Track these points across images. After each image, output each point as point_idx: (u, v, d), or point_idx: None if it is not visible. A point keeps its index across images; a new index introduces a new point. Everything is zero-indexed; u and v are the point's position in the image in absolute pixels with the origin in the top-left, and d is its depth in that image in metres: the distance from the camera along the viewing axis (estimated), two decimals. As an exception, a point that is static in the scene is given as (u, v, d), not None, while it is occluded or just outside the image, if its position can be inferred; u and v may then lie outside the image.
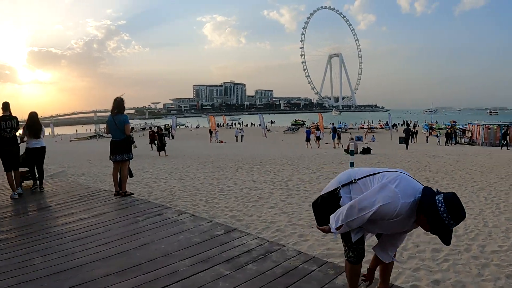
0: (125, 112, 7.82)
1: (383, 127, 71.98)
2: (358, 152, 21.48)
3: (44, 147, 8.79)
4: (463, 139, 40.26)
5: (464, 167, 14.17)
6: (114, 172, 7.73)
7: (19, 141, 8.38)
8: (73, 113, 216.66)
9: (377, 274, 3.45)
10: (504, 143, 29.49)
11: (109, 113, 7.78)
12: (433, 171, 13.02)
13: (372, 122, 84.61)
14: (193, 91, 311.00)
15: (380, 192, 2.68)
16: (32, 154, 8.56)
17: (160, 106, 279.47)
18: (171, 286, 3.51)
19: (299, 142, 39.28)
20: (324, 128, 48.64)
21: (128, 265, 3.97)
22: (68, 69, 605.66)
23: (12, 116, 7.86)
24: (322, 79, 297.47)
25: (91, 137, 60.68)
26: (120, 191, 7.62)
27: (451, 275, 4.34)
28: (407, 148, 27.38)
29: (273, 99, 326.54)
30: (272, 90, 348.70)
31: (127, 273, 3.79)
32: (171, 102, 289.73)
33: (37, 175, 8.75)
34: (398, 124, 72.97)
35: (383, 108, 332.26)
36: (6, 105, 7.82)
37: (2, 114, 7.78)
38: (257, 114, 68.04)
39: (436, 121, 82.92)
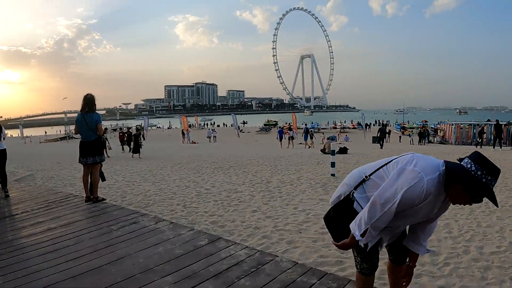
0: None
1: (356, 127, 72.73)
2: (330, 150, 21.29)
3: (5, 149, 8.12)
4: (435, 138, 40.76)
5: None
6: (84, 176, 7.07)
7: None
8: (43, 114, 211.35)
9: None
10: (480, 141, 29.76)
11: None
12: (414, 170, 12.84)
13: (345, 122, 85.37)
14: (165, 92, 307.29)
15: (400, 177, 2.37)
16: None
17: (131, 106, 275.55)
18: (153, 309, 3.05)
19: (272, 142, 39.04)
20: (298, 128, 48.53)
21: (102, 283, 3.46)
22: (38, 69, 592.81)
23: None
24: (294, 79, 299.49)
25: (61, 138, 58.97)
26: (92, 197, 6.98)
27: (455, 280, 4.16)
28: (381, 148, 27.43)
29: (245, 100, 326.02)
30: (244, 91, 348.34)
31: (102, 293, 3.30)
32: (143, 102, 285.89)
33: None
34: (370, 124, 73.76)
35: (354, 108, 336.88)
36: None
37: None
38: (229, 114, 67.67)
39: (408, 121, 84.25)
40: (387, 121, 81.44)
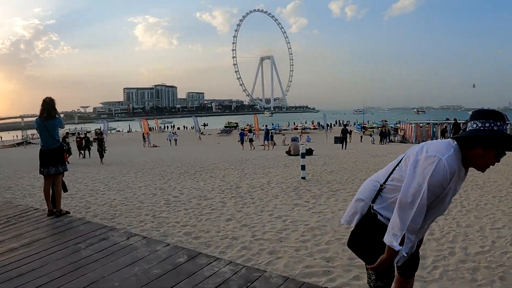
0: None
1: (317, 127, 73.47)
2: (300, 153, 21.21)
3: None
4: (396, 138, 41.60)
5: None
6: (46, 188, 6.45)
7: None
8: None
9: None
10: (443, 139, 30.43)
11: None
12: (384, 171, 12.87)
13: (306, 123, 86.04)
14: (124, 94, 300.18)
15: (417, 168, 2.23)
16: None
17: (90, 110, 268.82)
18: None
19: (234, 144, 38.71)
20: (259, 130, 48.41)
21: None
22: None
23: None
24: (254, 81, 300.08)
25: (18, 144, 56.16)
26: (54, 210, 6.35)
27: (446, 283, 4.12)
28: (344, 148, 27.66)
29: (205, 102, 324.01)
30: (203, 93, 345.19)
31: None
32: (101, 105, 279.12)
33: None
34: (331, 124, 74.62)
35: (313, 109, 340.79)
36: None
37: None
38: (188, 117, 66.81)
39: (368, 121, 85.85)
40: (347, 121, 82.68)
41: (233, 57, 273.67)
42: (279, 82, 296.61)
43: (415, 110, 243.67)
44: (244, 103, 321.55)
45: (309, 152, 21.26)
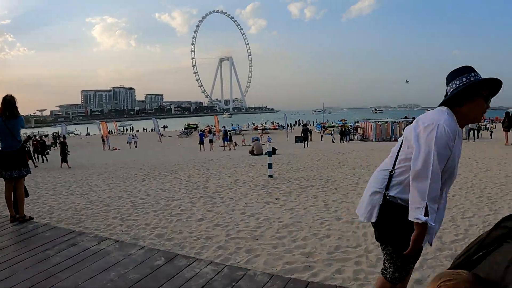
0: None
1: (277, 127, 73.76)
2: (263, 152, 21.17)
3: None
4: (356, 136, 42.24)
5: (376, 162, 14.38)
6: (7, 193, 6.01)
7: None
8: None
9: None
10: None
11: None
12: (349, 167, 12.98)
13: (266, 123, 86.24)
14: (81, 97, 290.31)
15: (420, 140, 2.28)
16: None
17: (46, 113, 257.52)
18: None
19: (195, 145, 38.20)
20: (220, 130, 48.13)
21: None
22: None
23: None
24: (212, 82, 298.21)
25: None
26: (17, 216, 5.94)
27: (428, 271, 4.17)
28: (306, 147, 27.82)
29: (164, 104, 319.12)
30: (162, 95, 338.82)
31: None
32: (59, 109, 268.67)
33: None
34: (291, 124, 75.12)
35: (272, 109, 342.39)
36: None
37: None
38: (147, 119, 65.58)
39: (327, 120, 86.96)
40: (307, 121, 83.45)
41: (192, 58, 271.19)
42: (238, 83, 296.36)
43: (373, 109, 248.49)
44: (203, 105, 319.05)
45: (273, 151, 21.24)
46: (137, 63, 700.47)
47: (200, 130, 55.60)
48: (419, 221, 2.19)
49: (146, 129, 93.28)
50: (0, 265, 4.00)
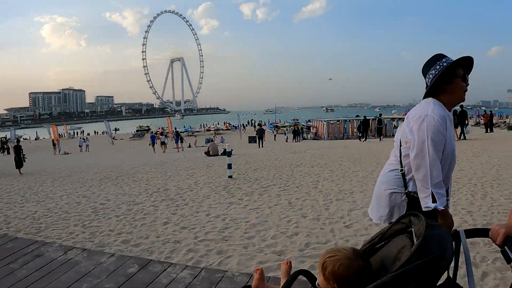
0: None
1: (229, 128, 73.69)
2: (219, 153, 21.04)
3: None
4: (309, 135, 42.73)
5: (332, 159, 14.63)
6: None
7: None
8: None
9: None
10: (360, 135, 30.53)
11: None
12: (307, 165, 13.09)
13: (218, 124, 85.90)
14: (30, 99, 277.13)
15: (414, 132, 2.39)
16: None
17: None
18: None
19: (149, 148, 37.50)
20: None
21: None
22: None
23: None
24: (164, 83, 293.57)
25: None
26: None
27: None
28: (261, 147, 27.92)
29: (115, 106, 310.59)
30: (113, 96, 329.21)
31: None
32: (6, 112, 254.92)
33: None
34: (243, 124, 75.23)
35: (224, 110, 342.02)
36: None
37: None
38: (98, 122, 63.61)
39: (280, 120, 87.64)
40: (260, 120, 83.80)
41: (143, 59, 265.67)
42: (190, 84, 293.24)
43: (324, 108, 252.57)
44: (154, 106, 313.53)
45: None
46: (87, 64, 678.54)
47: (152, 132, 54.60)
48: (429, 209, 2.26)
49: (97, 132, 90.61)
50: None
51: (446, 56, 2.51)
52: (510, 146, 15.79)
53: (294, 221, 6.10)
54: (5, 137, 51.11)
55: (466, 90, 2.50)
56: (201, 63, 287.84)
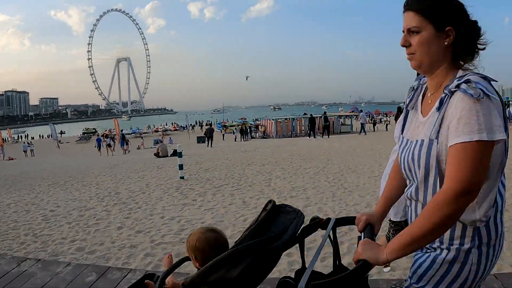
0: None
1: (177, 128, 72.80)
2: (169, 154, 20.75)
3: None
4: (257, 134, 42.69)
5: (283, 157, 14.82)
6: None
7: None
8: None
9: None
10: (310, 132, 30.52)
11: None
12: (258, 164, 13.17)
13: (166, 125, 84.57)
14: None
15: None
16: None
17: None
18: None
19: (96, 151, 36.34)
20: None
21: None
22: None
23: None
24: (110, 84, 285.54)
25: None
26: None
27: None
28: (210, 146, 27.79)
29: (60, 108, 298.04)
30: (57, 98, 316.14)
31: None
32: None
33: None
34: (192, 124, 74.52)
35: (171, 110, 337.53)
36: None
37: None
38: (43, 125, 60.67)
39: (227, 119, 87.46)
40: (208, 120, 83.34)
41: (89, 59, 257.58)
42: (136, 84, 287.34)
43: (272, 107, 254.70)
44: (100, 108, 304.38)
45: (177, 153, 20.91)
46: (31, 64, 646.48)
47: (98, 135, 52.85)
48: None
49: (42, 136, 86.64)
50: None
51: None
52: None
53: (250, 220, 6.11)
54: None
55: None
56: (148, 63, 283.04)
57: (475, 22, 1.43)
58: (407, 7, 1.46)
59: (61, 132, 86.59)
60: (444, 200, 1.26)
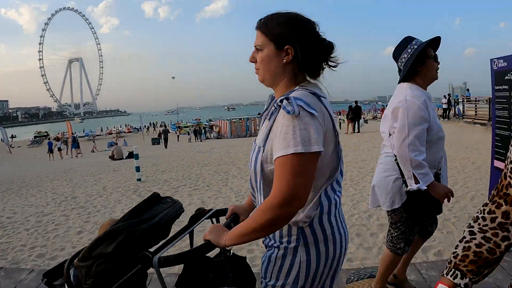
0: None
1: (131, 130, 71.17)
2: (124, 157, 20.40)
3: None
4: (212, 134, 42.37)
5: (239, 157, 14.93)
6: None
7: None
8: None
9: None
10: None
11: None
12: (214, 164, 13.25)
13: (120, 127, 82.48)
14: None
15: (396, 121, 2.49)
16: None
17: None
18: None
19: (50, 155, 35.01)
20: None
21: None
22: None
23: None
24: (61, 85, 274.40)
25: None
26: None
27: None
28: (166, 148, 27.51)
29: (10, 111, 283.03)
30: (7, 100, 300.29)
31: None
32: None
33: None
34: (146, 126, 73.09)
35: (125, 112, 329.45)
36: None
37: None
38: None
39: (181, 120, 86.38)
40: (162, 122, 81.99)
41: (40, 59, 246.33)
42: (89, 85, 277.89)
43: (226, 107, 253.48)
44: (52, 110, 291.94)
45: (133, 154, 20.57)
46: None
47: (49, 139, 50.71)
48: (413, 189, 2.45)
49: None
50: None
51: (415, 38, 2.55)
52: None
53: (208, 219, 6.22)
54: None
55: (438, 68, 2.58)
56: (101, 63, 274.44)
57: (322, 40, 1.52)
58: (256, 27, 1.57)
59: (12, 136, 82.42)
60: (266, 208, 1.36)
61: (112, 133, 66.22)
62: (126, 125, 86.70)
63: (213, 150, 19.73)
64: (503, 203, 1.14)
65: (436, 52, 2.61)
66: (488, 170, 4.83)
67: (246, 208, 1.86)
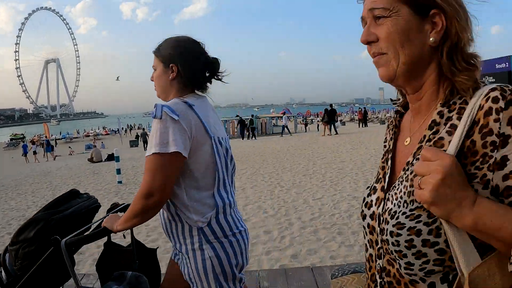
0: None
1: (109, 133, 70.05)
2: (103, 159, 20.17)
3: None
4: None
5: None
6: None
7: None
8: None
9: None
10: (247, 134, 29.99)
11: None
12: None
13: (98, 129, 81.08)
14: None
15: None
16: None
17: None
18: None
19: (28, 158, 34.18)
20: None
21: None
22: None
23: None
24: (38, 86, 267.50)
25: None
26: None
27: (299, 247, 4.73)
28: (145, 150, 27.27)
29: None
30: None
31: None
32: None
33: None
34: (124, 128, 72.05)
35: (102, 114, 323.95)
36: None
37: None
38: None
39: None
40: (139, 124, 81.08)
41: (16, 60, 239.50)
42: (66, 87, 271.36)
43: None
44: (28, 112, 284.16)
45: (113, 157, 20.36)
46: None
47: (24, 141, 49.42)
48: None
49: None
50: None
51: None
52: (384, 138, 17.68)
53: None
54: None
55: None
56: (78, 64, 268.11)
57: (205, 58, 1.82)
58: (153, 51, 1.85)
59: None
60: (136, 199, 1.59)
61: (89, 136, 64.85)
62: (103, 128, 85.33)
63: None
64: None
65: None
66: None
67: None
